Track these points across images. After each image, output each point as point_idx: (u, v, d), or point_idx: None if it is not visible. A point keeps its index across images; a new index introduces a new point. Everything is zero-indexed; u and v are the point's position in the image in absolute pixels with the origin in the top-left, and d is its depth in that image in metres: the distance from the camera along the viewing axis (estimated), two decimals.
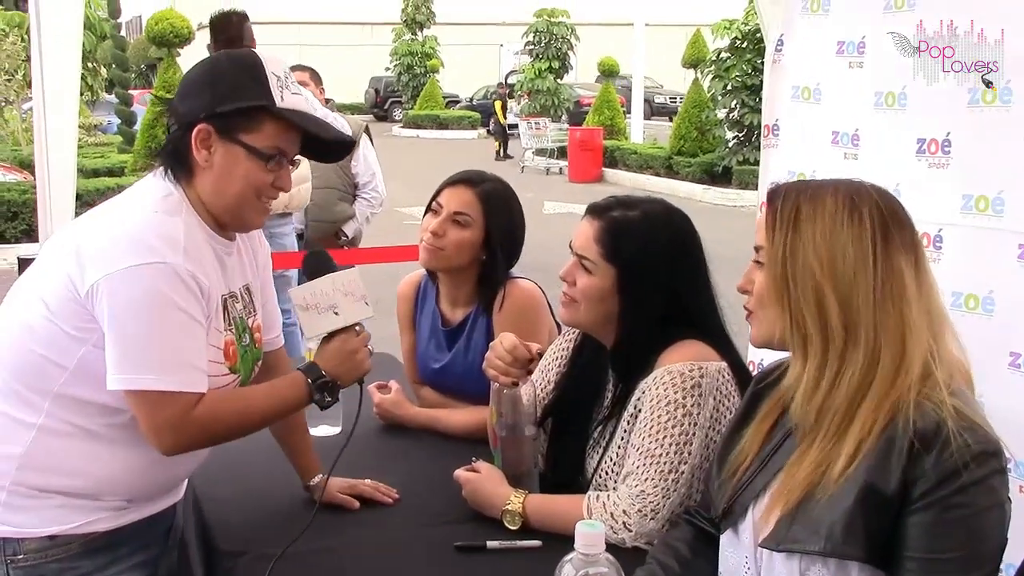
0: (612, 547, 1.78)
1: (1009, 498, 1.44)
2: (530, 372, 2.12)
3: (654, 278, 1.97)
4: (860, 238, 1.47)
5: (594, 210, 2.05)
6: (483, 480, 2.01)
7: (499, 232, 2.52)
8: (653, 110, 30.04)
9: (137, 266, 1.66)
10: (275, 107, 1.77)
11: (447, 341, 2.63)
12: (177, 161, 1.80)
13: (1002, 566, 2.03)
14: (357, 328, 1.89)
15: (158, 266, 1.67)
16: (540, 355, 2.18)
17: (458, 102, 34.08)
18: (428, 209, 2.56)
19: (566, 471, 2.10)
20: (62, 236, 1.81)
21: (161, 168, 1.83)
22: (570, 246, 2.05)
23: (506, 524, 1.95)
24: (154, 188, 1.81)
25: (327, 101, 5.23)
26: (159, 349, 1.69)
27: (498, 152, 22.71)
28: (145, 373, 1.68)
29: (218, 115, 1.76)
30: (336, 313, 1.84)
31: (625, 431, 1.98)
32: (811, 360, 1.48)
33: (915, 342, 1.46)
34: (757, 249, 1.57)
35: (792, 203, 1.51)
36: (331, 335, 1.87)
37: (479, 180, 2.55)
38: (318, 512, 1.96)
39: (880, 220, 1.48)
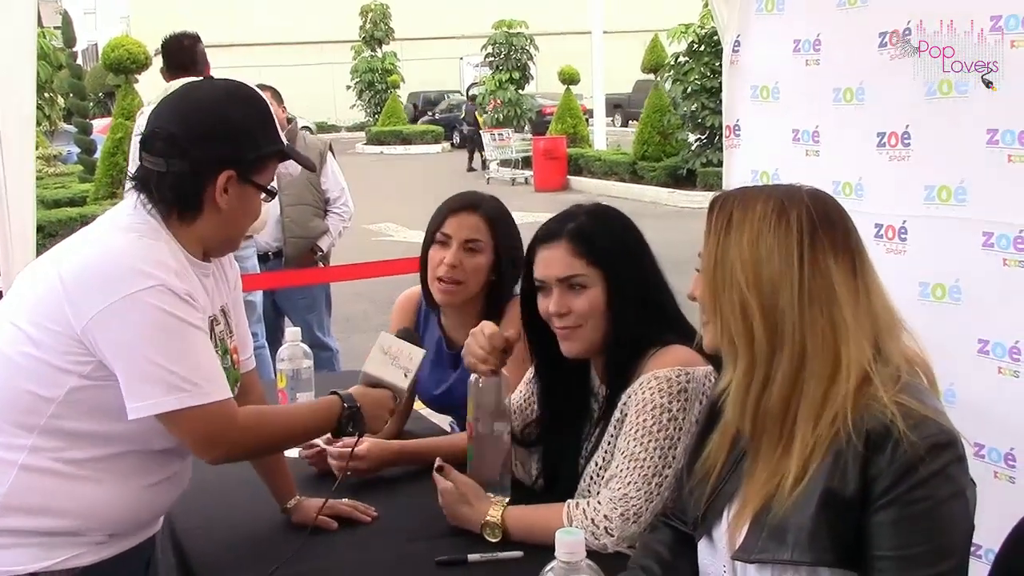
0: (594, 553, 1.78)
1: (973, 482, 1.45)
2: (504, 361, 2.07)
3: (631, 269, 1.99)
4: (786, 243, 1.47)
5: (548, 235, 2.00)
6: (461, 495, 2.00)
7: (507, 251, 2.47)
8: None
9: (134, 293, 1.66)
10: (286, 150, 1.89)
11: (452, 362, 2.59)
12: (185, 202, 1.80)
13: (982, 551, 2.06)
14: (396, 397, 2.05)
15: (154, 289, 1.68)
16: (513, 341, 2.10)
17: (434, 103, 33.94)
18: (432, 242, 2.48)
19: (562, 486, 2.08)
20: (40, 267, 1.79)
21: (134, 197, 1.81)
22: (541, 281, 2.01)
23: (486, 537, 1.93)
24: (130, 216, 1.80)
25: (289, 120, 5.24)
26: (180, 366, 1.69)
27: (471, 164, 22.51)
28: (175, 393, 1.69)
29: (241, 162, 1.80)
30: (405, 376, 2.03)
31: (612, 436, 1.98)
32: (739, 365, 1.50)
33: (850, 345, 1.46)
34: (701, 256, 1.58)
35: (726, 210, 1.52)
36: (379, 385, 2.02)
37: (479, 202, 2.48)
38: (298, 535, 1.96)
39: (809, 224, 1.48)
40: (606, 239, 1.99)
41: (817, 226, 1.48)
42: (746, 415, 1.51)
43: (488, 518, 1.94)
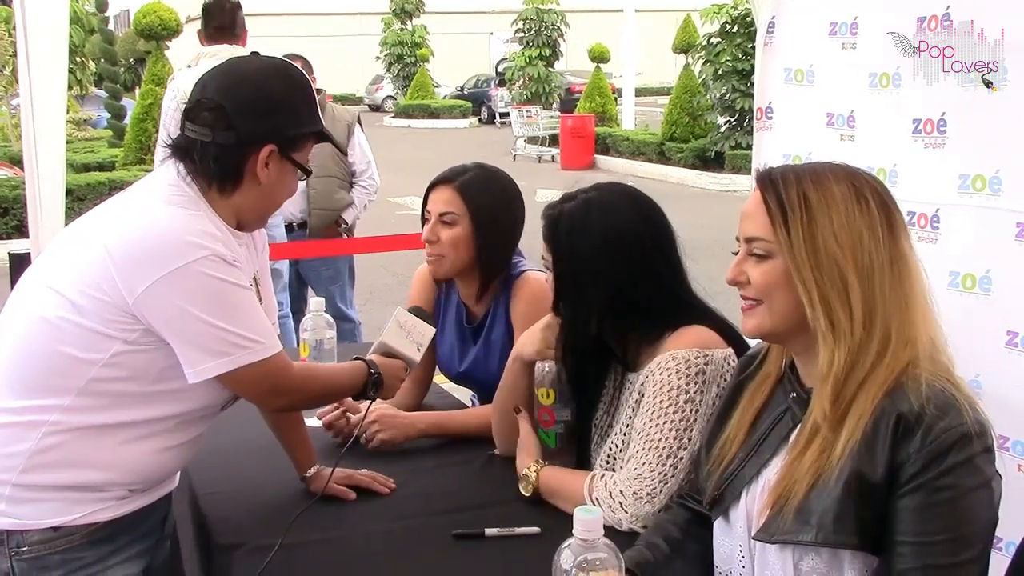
0: (609, 529, 1.78)
1: (999, 475, 1.43)
2: None
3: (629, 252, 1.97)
4: (871, 223, 1.46)
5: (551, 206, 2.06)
6: (525, 444, 2.08)
7: (486, 218, 2.45)
8: None
9: (187, 264, 1.70)
10: (325, 131, 1.92)
11: (473, 336, 2.60)
12: (226, 173, 1.83)
13: (1003, 544, 2.04)
14: (408, 368, 2.17)
15: (206, 258, 1.72)
16: None
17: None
18: (423, 220, 2.51)
19: (582, 464, 2.11)
20: (80, 235, 1.81)
21: (172, 166, 1.83)
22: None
23: (520, 490, 2.00)
24: (169, 187, 1.82)
25: (319, 91, 5.24)
26: (238, 326, 1.75)
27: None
28: (238, 351, 1.75)
29: (283, 137, 1.84)
30: (418, 349, 2.17)
31: (630, 416, 1.98)
32: (841, 347, 1.45)
33: (923, 324, 1.46)
34: (749, 240, 1.53)
35: (796, 189, 1.48)
36: (393, 355, 2.14)
37: (457, 175, 2.48)
38: (315, 504, 1.97)
39: (881, 203, 1.48)
40: (610, 218, 1.98)
41: (887, 205, 1.49)
42: (827, 398, 1.46)
43: (526, 471, 2.01)
